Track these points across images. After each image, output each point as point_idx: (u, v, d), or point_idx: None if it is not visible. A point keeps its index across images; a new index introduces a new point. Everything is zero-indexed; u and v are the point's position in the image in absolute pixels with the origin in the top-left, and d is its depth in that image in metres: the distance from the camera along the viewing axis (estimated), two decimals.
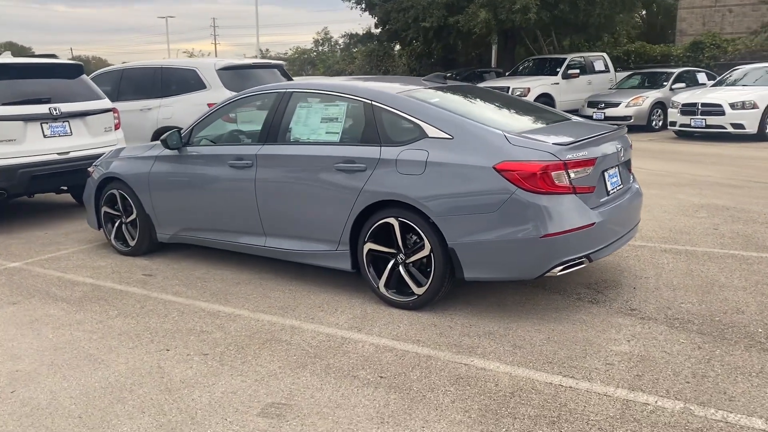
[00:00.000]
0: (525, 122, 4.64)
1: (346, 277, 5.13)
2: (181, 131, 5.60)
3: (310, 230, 4.87)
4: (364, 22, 69.77)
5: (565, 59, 18.61)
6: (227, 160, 5.25)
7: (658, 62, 22.58)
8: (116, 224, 6.20)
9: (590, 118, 16.15)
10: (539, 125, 4.61)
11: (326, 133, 4.83)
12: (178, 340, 4.14)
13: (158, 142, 5.99)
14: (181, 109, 9.49)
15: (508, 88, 17.49)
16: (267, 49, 70.64)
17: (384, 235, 4.52)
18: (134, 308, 4.75)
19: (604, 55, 19.95)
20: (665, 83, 17.19)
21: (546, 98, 17.58)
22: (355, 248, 4.68)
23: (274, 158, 4.99)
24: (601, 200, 4.32)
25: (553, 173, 3.97)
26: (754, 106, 13.67)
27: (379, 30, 24.96)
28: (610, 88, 18.23)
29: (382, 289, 4.55)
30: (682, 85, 17.03)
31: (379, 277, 4.57)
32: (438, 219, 4.20)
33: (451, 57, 30.56)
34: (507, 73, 20.77)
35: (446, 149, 4.23)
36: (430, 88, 4.93)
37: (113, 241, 6.23)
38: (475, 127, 4.29)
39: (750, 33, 20.26)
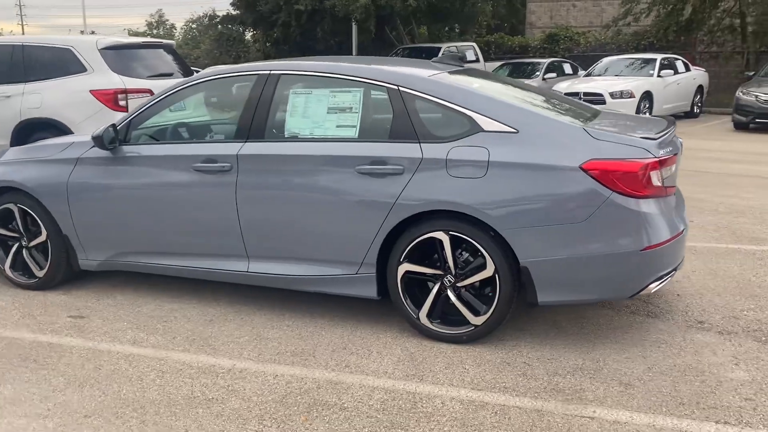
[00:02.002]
0: (576, 113, 3.94)
1: (348, 303, 4.16)
2: (116, 125, 4.26)
3: (317, 251, 3.84)
4: (206, 3, 65.61)
5: (439, 48, 18.39)
6: (191, 163, 4.03)
7: (517, 53, 23.22)
8: (12, 249, 4.67)
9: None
10: (593, 116, 3.93)
11: (337, 126, 3.80)
12: (183, 418, 2.98)
13: (75, 139, 4.59)
14: (53, 97, 7.73)
15: None
16: (93, 32, 64.52)
17: (421, 253, 3.64)
18: (86, 371, 3.44)
19: (474, 45, 20.06)
20: (538, 73, 17.54)
21: None
22: (382, 270, 3.74)
23: (263, 160, 3.88)
24: None
25: (651, 172, 3.32)
26: (631, 95, 14.21)
27: (239, 12, 23.29)
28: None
29: (424, 320, 3.66)
30: (554, 75, 17.48)
31: (417, 306, 3.68)
32: (507, 232, 3.39)
33: (309, 44, 29.49)
34: None
35: (512, 146, 3.43)
36: (454, 72, 4.08)
37: (9, 272, 4.69)
38: (546, 119, 3.54)
39: (603, 27, 21.40)
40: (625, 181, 3.27)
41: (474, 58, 19.42)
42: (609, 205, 3.27)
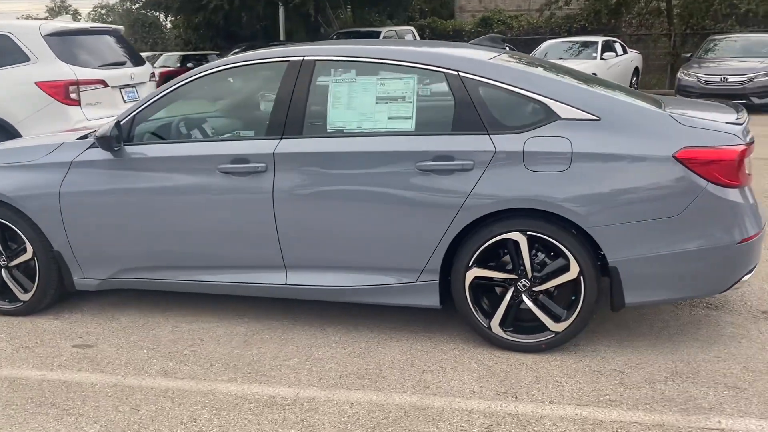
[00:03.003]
0: (644, 98, 3.67)
1: (390, 312, 3.79)
2: (120, 122, 3.67)
3: (369, 258, 3.44)
4: None
5: (379, 32, 17.99)
6: (216, 164, 3.52)
7: (451, 37, 23.11)
8: None
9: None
10: (659, 101, 3.67)
11: (389, 119, 3.39)
12: None
13: (62, 139, 3.97)
14: None
15: None
16: None
17: (489, 257, 3.31)
18: (123, 414, 2.92)
19: (413, 29, 19.77)
20: None
21: None
22: (445, 277, 3.39)
23: (304, 158, 3.42)
24: None
25: (744, 160, 3.12)
26: None
27: None
28: None
29: (497, 330, 3.34)
30: None
31: (484, 314, 3.36)
32: (594, 230, 3.11)
33: (233, 30, 28.39)
34: None
35: (595, 135, 3.14)
36: (503, 55, 3.73)
37: None
38: (630, 104, 3.26)
39: (536, 10, 21.55)
40: (722, 170, 3.04)
41: None
42: (705, 196, 3.04)
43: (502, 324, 3.33)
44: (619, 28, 20.78)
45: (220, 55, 24.53)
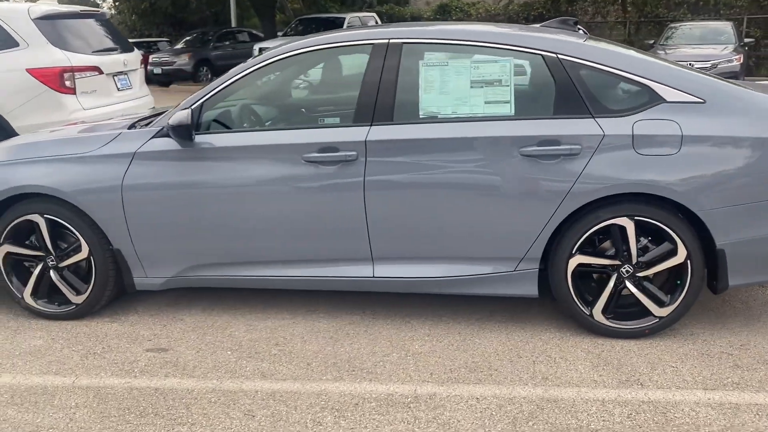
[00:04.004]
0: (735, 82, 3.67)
1: (470, 301, 3.71)
2: (192, 109, 3.42)
3: (463, 248, 3.33)
4: None
5: (343, 19, 17.74)
6: (301, 153, 3.33)
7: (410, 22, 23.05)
8: (35, 272, 3.69)
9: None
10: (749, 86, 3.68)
11: (486, 103, 3.28)
12: None
13: (115, 130, 3.69)
14: None
15: None
16: None
17: (589, 243, 3.26)
18: (237, 420, 2.73)
19: (375, 15, 19.59)
20: None
21: None
22: (545, 265, 3.32)
23: (397, 146, 3.27)
24: None
25: None
26: None
27: None
28: None
29: (599, 317, 3.29)
30: None
31: (586, 302, 3.31)
32: (704, 213, 3.09)
33: (180, 16, 27.50)
34: (281, 34, 19.19)
35: (702, 118, 3.12)
36: (588, 38, 3.67)
37: (30, 301, 3.71)
38: (731, 87, 3.25)
39: None
40: None
41: None
42: None
43: (604, 311, 3.29)
44: (576, 15, 21.14)
45: (171, 43, 23.74)
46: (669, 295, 3.25)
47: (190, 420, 2.75)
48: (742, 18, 18.64)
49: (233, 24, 25.50)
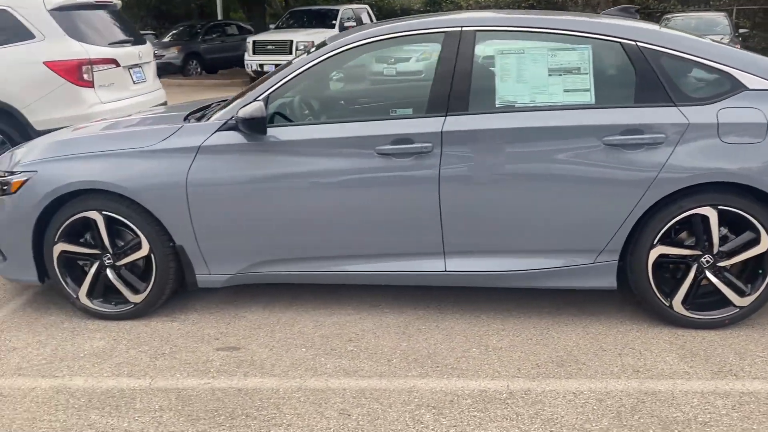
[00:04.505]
0: None
1: (534, 294, 3.67)
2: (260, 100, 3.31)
3: (539, 241, 3.28)
4: None
5: (337, 11, 17.56)
6: (374, 145, 3.24)
7: (399, 15, 22.91)
8: (91, 271, 3.56)
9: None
10: None
11: (565, 91, 3.22)
12: None
13: (169, 123, 3.59)
14: None
15: (291, 41, 15.92)
16: None
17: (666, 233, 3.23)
18: (333, 420, 2.65)
19: (367, 7, 19.42)
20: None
21: None
22: (623, 256, 3.28)
23: (475, 136, 3.20)
24: None
25: None
26: None
27: None
28: None
29: (678, 308, 3.26)
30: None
31: (665, 293, 3.27)
32: None
33: (164, 8, 27.06)
34: (272, 26, 18.95)
35: None
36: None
37: (86, 301, 3.58)
38: None
39: None
40: None
41: (368, 20, 18.81)
42: None
43: (683, 302, 3.26)
44: (567, 7, 21.17)
45: (157, 36, 23.34)
46: (749, 285, 3.23)
47: (284, 421, 2.67)
48: (732, 9, 18.80)
49: (219, 16, 25.19)
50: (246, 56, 16.62)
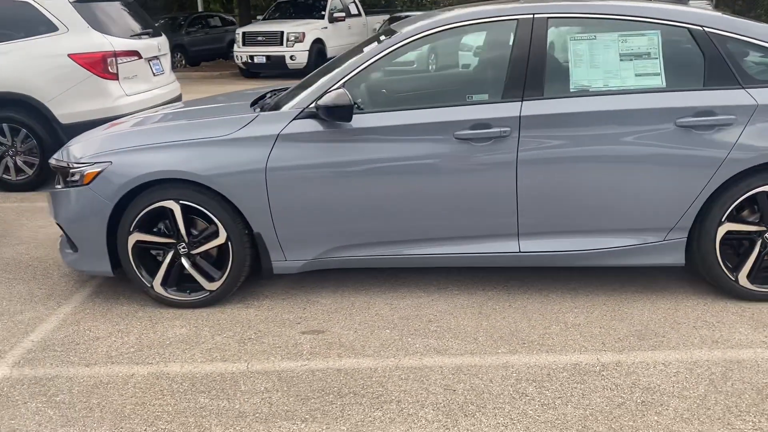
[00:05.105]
0: None
1: (579, 273, 3.80)
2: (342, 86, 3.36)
3: (615, 221, 3.40)
4: None
5: (326, 2, 17.51)
6: (452, 130, 3.33)
7: (384, 7, 22.92)
8: (166, 260, 3.59)
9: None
10: None
11: (637, 75, 3.34)
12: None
13: (243, 112, 3.64)
14: (14, 65, 6.09)
15: (282, 32, 15.88)
16: None
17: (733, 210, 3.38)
18: (440, 396, 2.75)
19: None
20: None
21: (319, 44, 16.41)
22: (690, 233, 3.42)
23: (551, 120, 3.31)
24: None
25: None
26: None
27: None
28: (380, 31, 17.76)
29: (743, 282, 3.41)
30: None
31: (731, 268, 3.42)
32: None
33: (143, 0, 26.61)
34: (260, 18, 18.83)
35: None
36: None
37: (161, 290, 3.62)
38: None
39: None
40: None
41: (356, 12, 18.81)
42: None
43: (748, 276, 3.41)
44: None
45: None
46: None
47: (393, 397, 2.75)
48: None
49: (200, 8, 24.94)
50: (235, 48, 16.54)
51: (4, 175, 6.26)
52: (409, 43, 3.46)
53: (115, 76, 6.30)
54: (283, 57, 15.77)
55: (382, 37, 3.66)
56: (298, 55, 15.81)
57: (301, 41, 15.93)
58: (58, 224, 3.79)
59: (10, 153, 6.20)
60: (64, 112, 6.10)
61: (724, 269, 3.41)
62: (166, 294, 3.63)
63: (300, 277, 3.94)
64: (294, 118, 3.44)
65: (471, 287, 3.78)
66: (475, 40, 3.78)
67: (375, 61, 3.45)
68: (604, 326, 3.29)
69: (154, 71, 6.98)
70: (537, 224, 3.44)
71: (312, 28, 16.41)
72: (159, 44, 7.22)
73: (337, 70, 3.50)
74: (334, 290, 3.81)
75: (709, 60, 3.31)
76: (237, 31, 17.01)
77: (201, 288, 3.62)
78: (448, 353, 3.09)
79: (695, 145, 3.26)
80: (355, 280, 3.90)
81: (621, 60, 3.36)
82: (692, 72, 3.36)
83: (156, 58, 7.10)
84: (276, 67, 15.82)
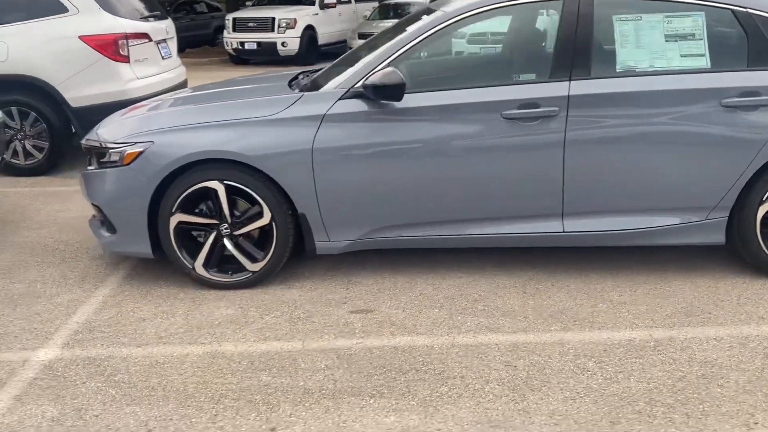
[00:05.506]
0: None
1: (614, 253, 3.85)
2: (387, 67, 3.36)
3: (657, 200, 3.45)
4: None
5: None
6: (500, 110, 3.34)
7: None
8: (209, 241, 3.56)
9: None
10: None
11: (682, 56, 3.38)
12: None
13: (284, 93, 3.62)
14: (23, 46, 5.96)
15: (273, 18, 15.73)
16: None
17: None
18: (502, 372, 2.77)
19: None
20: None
21: (310, 30, 16.29)
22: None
23: (599, 100, 3.34)
24: None
25: None
26: None
27: None
28: (368, 19, 17.72)
29: None
30: None
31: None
32: None
33: None
34: (250, 3, 18.63)
35: None
36: None
37: (203, 271, 3.59)
38: None
39: None
40: None
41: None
42: None
43: None
44: None
45: None
46: None
47: (456, 373, 2.77)
48: None
49: None
50: (225, 33, 16.37)
51: (13, 160, 6.13)
52: (456, 21, 3.46)
53: (126, 59, 6.20)
54: (275, 43, 15.64)
55: (425, 16, 3.66)
56: (289, 41, 15.68)
57: (292, 27, 15.80)
58: (94, 205, 3.74)
59: (19, 137, 6.09)
60: (75, 95, 6.00)
61: (765, 248, 3.48)
62: (208, 275, 3.60)
63: (337, 259, 3.93)
64: (339, 98, 3.42)
65: (510, 268, 3.80)
66: (522, 19, 3.78)
67: (422, 40, 3.44)
68: (649, 304, 3.34)
69: (163, 54, 6.89)
70: (582, 204, 3.47)
71: (303, 15, 16.27)
72: (167, 27, 7.12)
73: (382, 49, 3.49)
74: (373, 271, 3.82)
75: (753, 41, 3.36)
76: (227, 17, 16.82)
77: (243, 269, 3.60)
78: (501, 331, 3.12)
79: (739, 125, 3.31)
80: (392, 261, 3.91)
81: (666, 41, 3.39)
82: (736, 53, 3.41)
83: (164, 41, 7.00)
84: (267, 54, 15.67)
